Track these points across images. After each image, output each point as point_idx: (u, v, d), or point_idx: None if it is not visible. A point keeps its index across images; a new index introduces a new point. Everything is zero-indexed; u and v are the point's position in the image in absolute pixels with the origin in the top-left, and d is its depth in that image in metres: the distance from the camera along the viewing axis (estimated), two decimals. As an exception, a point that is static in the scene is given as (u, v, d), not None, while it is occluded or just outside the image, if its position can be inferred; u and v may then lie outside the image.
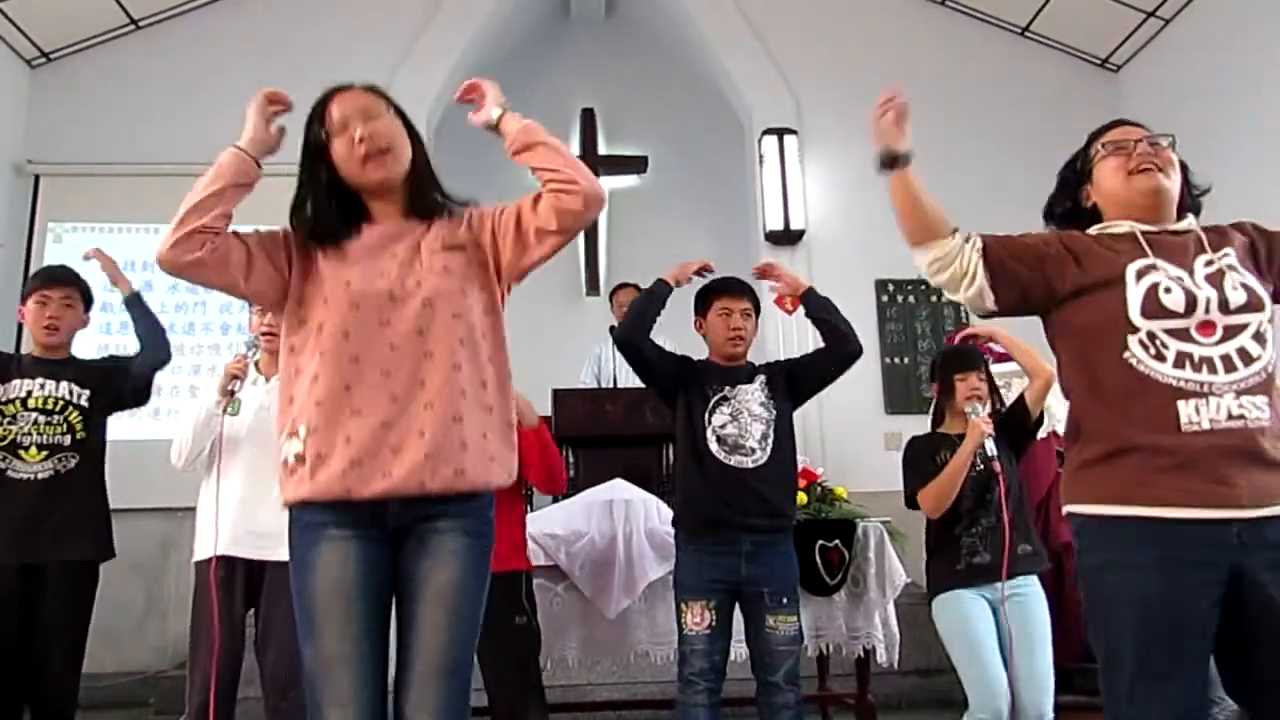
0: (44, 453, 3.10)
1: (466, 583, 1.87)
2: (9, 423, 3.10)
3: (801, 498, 3.65)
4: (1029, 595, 2.93)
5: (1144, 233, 1.89)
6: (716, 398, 2.96)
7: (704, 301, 3.10)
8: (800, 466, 3.46)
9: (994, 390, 3.18)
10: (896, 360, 6.29)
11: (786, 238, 6.41)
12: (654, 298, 3.03)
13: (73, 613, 3.09)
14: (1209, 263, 1.84)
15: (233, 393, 2.94)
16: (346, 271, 1.92)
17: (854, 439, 5.88)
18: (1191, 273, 1.82)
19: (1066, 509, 1.87)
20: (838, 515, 3.74)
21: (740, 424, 2.94)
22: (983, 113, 6.65)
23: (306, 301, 1.94)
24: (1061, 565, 4.06)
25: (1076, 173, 2.04)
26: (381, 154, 1.94)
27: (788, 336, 5.93)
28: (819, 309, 3.06)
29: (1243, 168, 5.00)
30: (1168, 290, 1.79)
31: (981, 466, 2.95)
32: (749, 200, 6.87)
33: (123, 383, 3.26)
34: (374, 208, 2.01)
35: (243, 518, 2.94)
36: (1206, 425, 1.71)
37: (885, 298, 6.43)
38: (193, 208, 1.83)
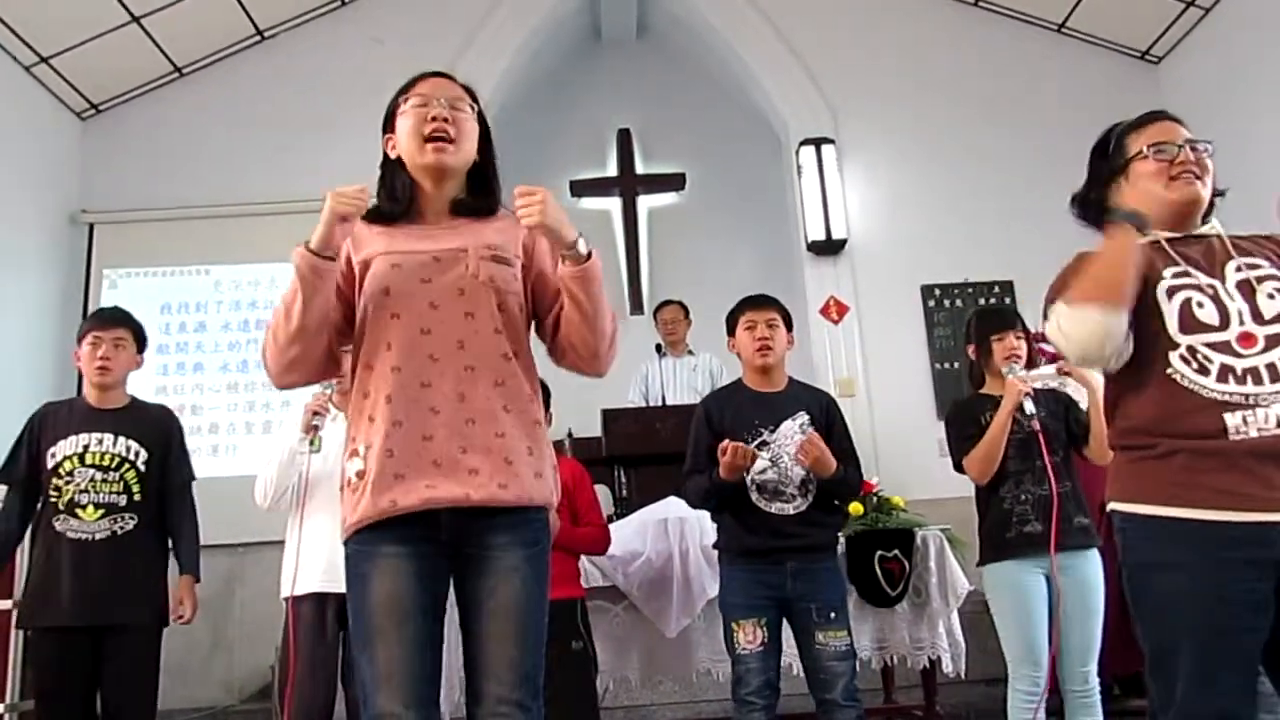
0: (100, 511, 3.03)
1: (530, 593, 1.83)
2: (66, 481, 3.04)
3: (857, 509, 3.62)
4: (1083, 566, 2.88)
5: (1169, 239, 1.90)
6: (755, 444, 2.86)
7: (731, 322, 3.06)
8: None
9: (1032, 354, 3.11)
10: (946, 365, 6.20)
11: (829, 248, 6.34)
12: (711, 490, 2.90)
13: (140, 677, 3.06)
14: (1239, 269, 1.84)
15: (316, 428, 2.97)
16: (388, 276, 1.87)
17: (907, 446, 5.80)
18: (1223, 280, 1.83)
19: (1110, 506, 1.87)
20: (895, 525, 3.70)
21: (780, 469, 2.86)
22: (1022, 112, 6.57)
23: (359, 316, 1.90)
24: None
25: (1111, 168, 2.00)
26: (447, 141, 1.91)
27: (834, 348, 5.89)
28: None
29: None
30: (1200, 305, 1.80)
31: (1024, 426, 2.90)
32: (789, 212, 6.84)
33: (166, 479, 3.21)
34: (424, 195, 1.96)
35: (332, 552, 3.00)
36: (1255, 434, 1.71)
37: (932, 303, 6.35)
38: (294, 335, 1.81)
